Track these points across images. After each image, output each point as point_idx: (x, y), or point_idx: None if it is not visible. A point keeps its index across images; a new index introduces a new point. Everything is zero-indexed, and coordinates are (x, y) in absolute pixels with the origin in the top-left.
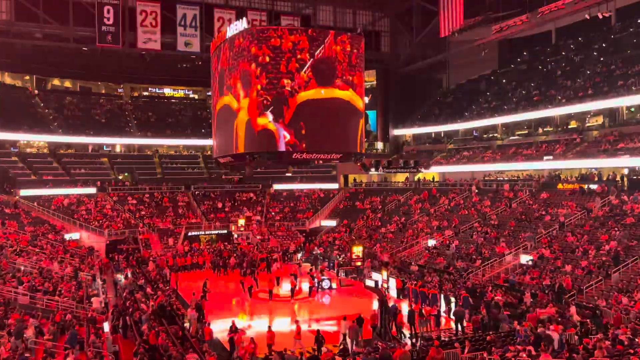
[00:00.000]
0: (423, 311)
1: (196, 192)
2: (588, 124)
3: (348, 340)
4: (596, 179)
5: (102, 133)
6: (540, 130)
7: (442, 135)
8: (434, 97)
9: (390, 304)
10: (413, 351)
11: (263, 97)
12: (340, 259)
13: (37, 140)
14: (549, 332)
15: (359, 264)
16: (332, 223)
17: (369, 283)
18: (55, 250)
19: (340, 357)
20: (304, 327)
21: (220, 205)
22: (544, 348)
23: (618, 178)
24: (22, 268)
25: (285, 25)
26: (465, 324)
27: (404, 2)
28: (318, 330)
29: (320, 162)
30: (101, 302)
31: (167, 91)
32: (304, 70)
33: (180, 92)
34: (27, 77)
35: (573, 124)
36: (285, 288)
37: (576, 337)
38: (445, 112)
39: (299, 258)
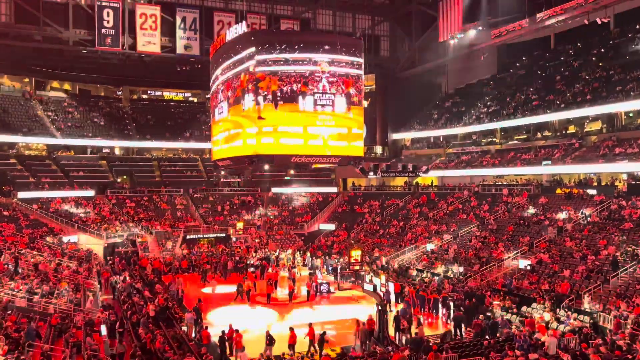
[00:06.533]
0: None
1: (195, 195)
2: (587, 129)
3: (358, 342)
4: (595, 184)
5: (100, 136)
6: (539, 135)
7: (441, 139)
8: (433, 102)
9: (399, 307)
10: (411, 356)
11: None
12: (338, 262)
13: (35, 142)
14: (543, 338)
15: (357, 267)
16: (331, 227)
17: (368, 287)
18: (53, 252)
19: None
20: (303, 331)
21: (219, 208)
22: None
23: (617, 183)
24: (20, 270)
25: (284, 29)
26: (464, 328)
27: (403, 6)
28: (324, 332)
29: (319, 165)
30: (99, 304)
31: (166, 94)
32: None
33: (179, 95)
34: (26, 80)
35: (572, 129)
36: (283, 292)
37: (574, 342)
38: (444, 116)
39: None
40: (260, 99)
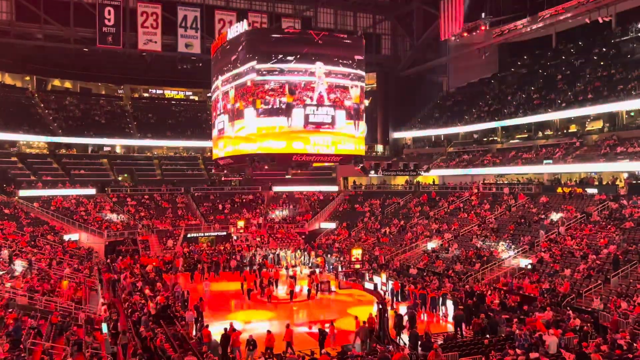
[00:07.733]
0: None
1: (196, 194)
2: (588, 128)
3: (358, 341)
4: (596, 183)
5: (102, 134)
6: (540, 134)
7: (442, 138)
8: (434, 100)
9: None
10: (412, 354)
11: None
12: (339, 261)
13: (36, 140)
14: (543, 337)
15: (358, 266)
16: (332, 225)
17: (368, 286)
18: (54, 250)
19: None
20: (303, 329)
21: (219, 207)
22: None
23: (618, 182)
24: (21, 268)
25: (285, 27)
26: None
27: (404, 5)
28: (324, 330)
29: (319, 164)
30: (99, 303)
31: (168, 92)
32: None
33: (180, 94)
34: (28, 78)
35: (573, 128)
36: (283, 291)
37: (575, 341)
38: (445, 115)
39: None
40: (248, 111)
